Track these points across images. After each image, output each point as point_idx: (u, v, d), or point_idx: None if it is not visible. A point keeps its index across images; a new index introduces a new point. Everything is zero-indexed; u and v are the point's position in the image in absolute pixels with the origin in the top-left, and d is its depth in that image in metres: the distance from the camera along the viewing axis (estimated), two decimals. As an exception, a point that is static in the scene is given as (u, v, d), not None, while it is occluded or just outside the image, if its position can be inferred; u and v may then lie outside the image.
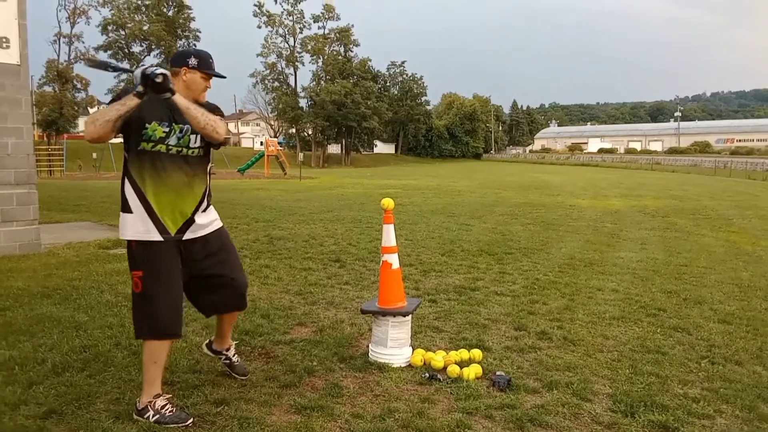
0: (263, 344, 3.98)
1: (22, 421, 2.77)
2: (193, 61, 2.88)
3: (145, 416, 2.83)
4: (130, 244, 2.84)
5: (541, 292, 5.66)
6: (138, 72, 2.58)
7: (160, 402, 2.87)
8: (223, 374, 3.44)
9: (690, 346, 4.21)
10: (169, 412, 2.85)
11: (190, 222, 2.91)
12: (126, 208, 2.83)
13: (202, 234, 2.97)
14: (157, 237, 2.82)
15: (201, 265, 2.98)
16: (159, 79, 2.55)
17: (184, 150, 2.89)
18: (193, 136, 2.88)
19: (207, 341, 3.55)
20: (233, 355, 3.46)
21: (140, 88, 2.59)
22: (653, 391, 3.37)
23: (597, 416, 3.05)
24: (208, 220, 3.02)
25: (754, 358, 4.01)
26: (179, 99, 2.70)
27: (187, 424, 2.82)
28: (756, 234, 10.74)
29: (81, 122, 72.26)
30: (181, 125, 2.83)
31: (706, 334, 4.48)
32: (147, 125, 2.78)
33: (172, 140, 2.84)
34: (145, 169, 2.81)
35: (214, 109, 2.94)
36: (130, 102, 2.63)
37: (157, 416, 2.83)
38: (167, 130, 2.82)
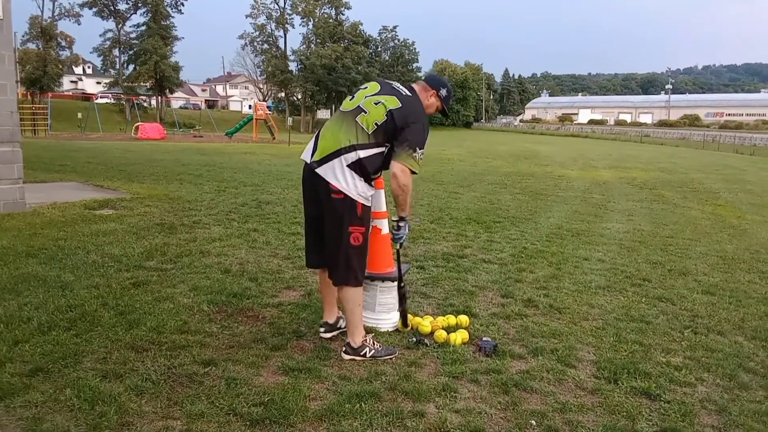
0: (251, 306, 3.98)
1: (7, 378, 2.76)
2: (443, 92, 3.44)
3: (362, 353, 3.23)
4: (357, 204, 3.16)
5: (529, 261, 5.69)
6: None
7: (371, 339, 3.34)
8: (211, 335, 3.44)
9: (674, 315, 4.27)
10: (380, 346, 3.31)
11: None
12: (367, 177, 3.18)
13: None
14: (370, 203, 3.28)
15: None
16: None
17: None
18: None
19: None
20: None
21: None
22: (636, 358, 3.42)
23: (581, 382, 3.10)
24: None
25: (736, 328, 4.08)
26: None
27: (396, 355, 3.30)
28: (742, 208, 10.85)
29: (65, 80, 70.98)
30: None
31: (689, 305, 4.54)
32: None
33: None
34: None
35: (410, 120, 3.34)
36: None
37: (373, 351, 3.25)
38: None
